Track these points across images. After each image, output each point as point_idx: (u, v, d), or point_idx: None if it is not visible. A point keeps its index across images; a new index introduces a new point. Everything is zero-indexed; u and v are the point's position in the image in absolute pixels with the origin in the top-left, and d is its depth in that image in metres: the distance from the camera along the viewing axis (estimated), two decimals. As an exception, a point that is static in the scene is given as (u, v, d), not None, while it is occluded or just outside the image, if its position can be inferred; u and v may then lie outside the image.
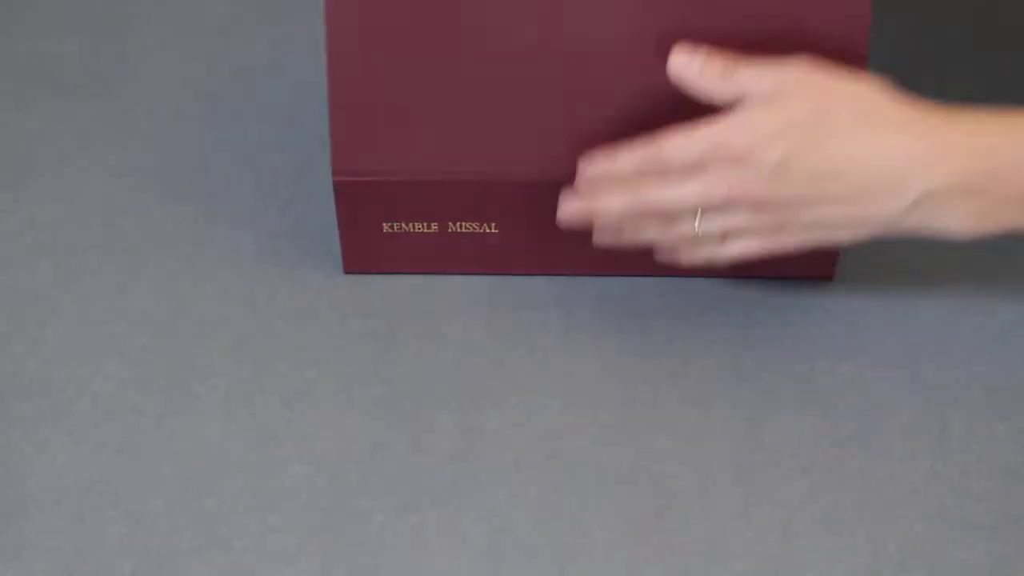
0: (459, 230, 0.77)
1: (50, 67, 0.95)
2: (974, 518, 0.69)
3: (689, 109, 0.72)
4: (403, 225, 0.77)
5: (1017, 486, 0.70)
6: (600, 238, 0.74)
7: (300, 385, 0.75)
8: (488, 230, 0.77)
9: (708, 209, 0.71)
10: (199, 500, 0.70)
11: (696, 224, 0.72)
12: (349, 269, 0.79)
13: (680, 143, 0.70)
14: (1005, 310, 0.79)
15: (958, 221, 0.68)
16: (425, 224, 0.77)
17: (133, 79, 0.94)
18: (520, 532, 0.69)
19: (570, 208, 0.74)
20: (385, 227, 0.77)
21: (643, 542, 0.69)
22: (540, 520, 0.70)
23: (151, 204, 0.85)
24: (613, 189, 0.72)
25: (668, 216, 0.72)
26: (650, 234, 0.73)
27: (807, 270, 0.78)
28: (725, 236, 0.72)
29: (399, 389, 0.75)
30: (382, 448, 0.73)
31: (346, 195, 0.75)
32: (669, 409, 0.74)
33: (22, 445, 0.72)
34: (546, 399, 0.75)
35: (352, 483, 0.71)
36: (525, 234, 0.77)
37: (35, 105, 0.92)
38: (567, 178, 0.74)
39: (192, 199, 0.85)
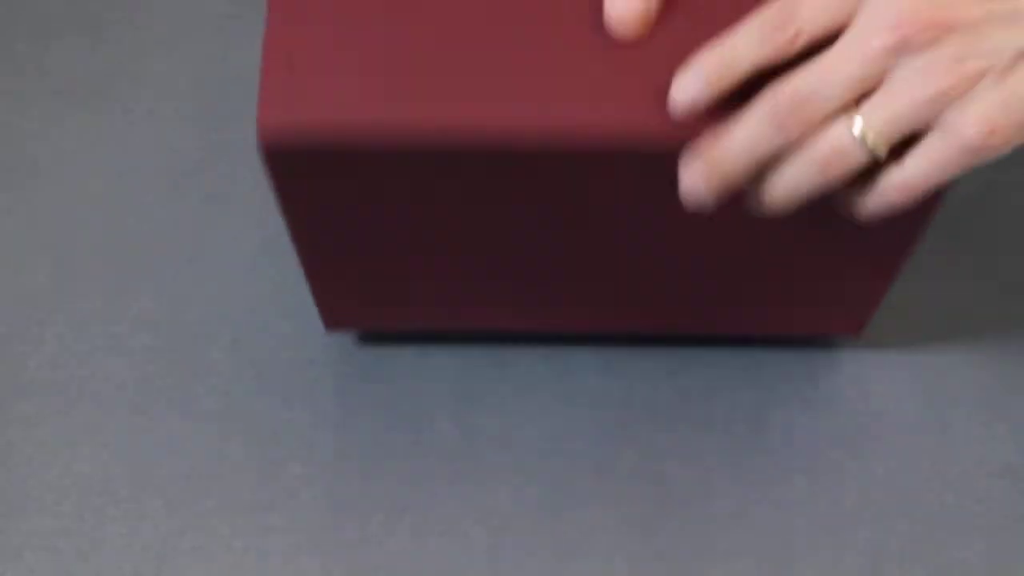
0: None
1: (50, 67, 0.95)
2: (974, 518, 0.69)
3: None
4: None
5: (1017, 486, 0.70)
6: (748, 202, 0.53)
7: (300, 385, 0.75)
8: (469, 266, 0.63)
9: (869, 86, 0.47)
10: (199, 500, 0.70)
11: (855, 127, 0.47)
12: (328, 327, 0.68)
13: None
14: (1004, 310, 0.79)
15: None
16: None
17: (133, 79, 0.94)
18: (520, 532, 0.69)
19: (690, 174, 0.51)
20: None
21: (643, 541, 0.69)
22: (540, 520, 0.70)
23: (151, 204, 0.85)
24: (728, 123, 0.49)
25: (814, 124, 0.48)
26: (795, 175, 0.49)
27: (836, 327, 0.70)
28: (903, 141, 0.48)
29: (399, 388, 0.75)
30: (382, 447, 0.73)
31: (278, 164, 0.58)
32: (669, 409, 0.74)
33: (22, 445, 0.72)
34: (546, 399, 0.75)
35: (352, 483, 0.71)
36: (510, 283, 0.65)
37: (35, 105, 0.92)
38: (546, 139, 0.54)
39: (192, 199, 0.85)
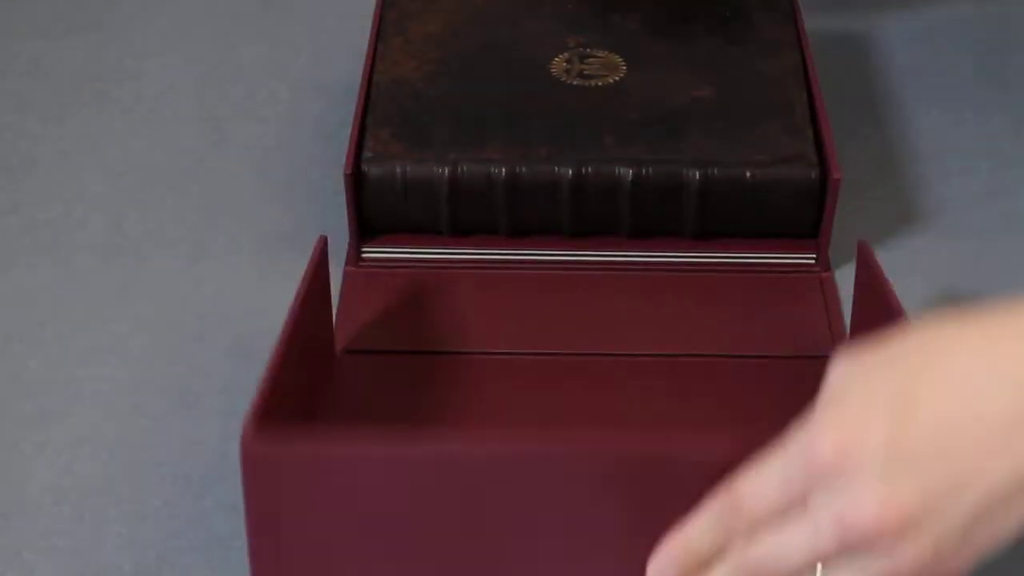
0: None
1: (50, 67, 0.95)
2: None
3: None
4: None
5: (1017, 487, 0.70)
6: None
7: (300, 385, 0.75)
8: None
9: (828, 556, 0.49)
10: (199, 500, 0.70)
11: None
12: None
13: (756, 482, 0.51)
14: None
15: None
16: None
17: (133, 79, 0.94)
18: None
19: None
20: None
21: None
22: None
23: (151, 204, 0.85)
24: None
25: None
26: None
27: None
28: None
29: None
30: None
31: None
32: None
33: (22, 445, 0.72)
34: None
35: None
36: None
37: (35, 105, 0.92)
38: None
39: (192, 199, 0.85)
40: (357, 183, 0.78)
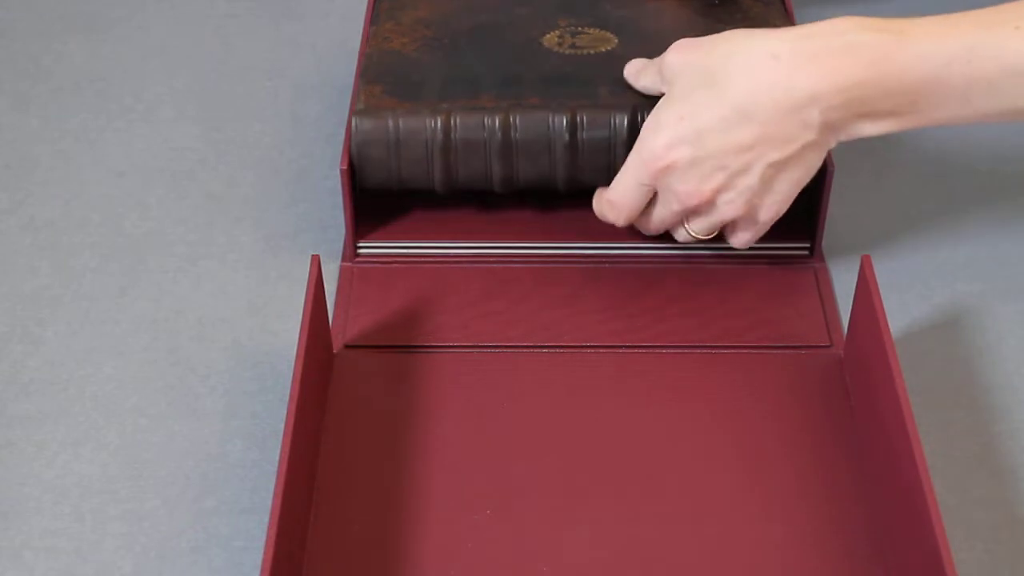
0: None
1: (50, 67, 0.95)
2: (974, 518, 0.69)
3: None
4: None
5: (1017, 486, 0.70)
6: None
7: (300, 385, 0.75)
8: None
9: (685, 216, 0.76)
10: (199, 500, 0.70)
11: (689, 232, 0.77)
12: None
13: (619, 192, 0.76)
14: (1003, 309, 0.79)
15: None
16: None
17: (133, 79, 0.94)
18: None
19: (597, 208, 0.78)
20: None
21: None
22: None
23: (151, 204, 0.85)
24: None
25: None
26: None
27: None
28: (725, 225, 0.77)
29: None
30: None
31: None
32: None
33: (22, 445, 0.72)
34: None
35: (352, 483, 0.71)
36: None
37: (35, 105, 0.92)
38: None
39: (192, 199, 0.85)
40: (353, 178, 0.78)
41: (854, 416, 0.72)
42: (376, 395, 0.73)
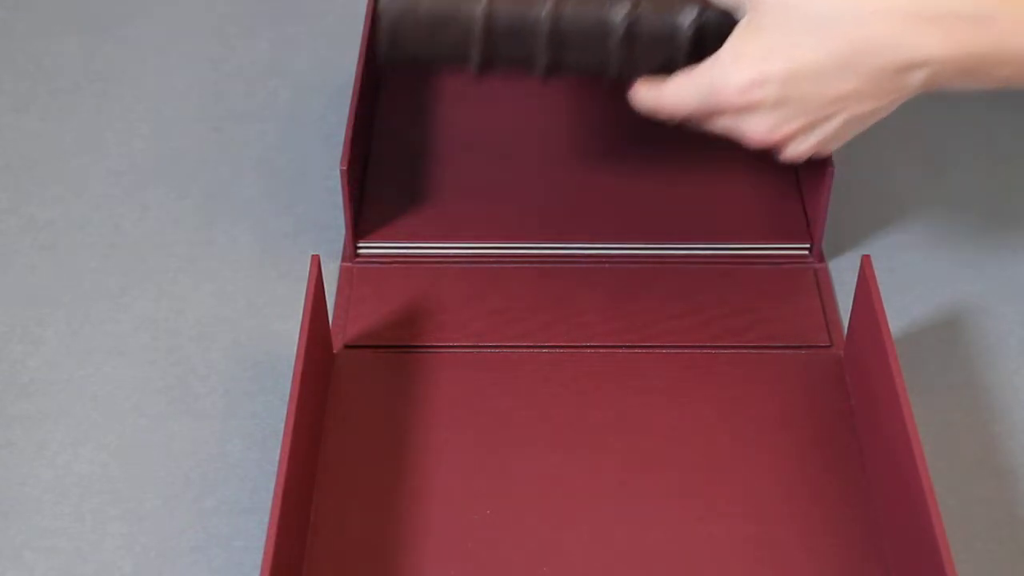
0: None
1: (50, 67, 0.95)
2: (974, 518, 0.69)
3: None
4: None
5: (1017, 486, 0.70)
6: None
7: (300, 385, 0.75)
8: None
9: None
10: (199, 500, 0.70)
11: (729, 136, 0.72)
12: None
13: (676, 97, 0.71)
14: (1004, 309, 0.79)
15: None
16: None
17: (133, 79, 0.94)
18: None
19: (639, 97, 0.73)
20: None
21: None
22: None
23: (151, 204, 0.85)
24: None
25: None
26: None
27: None
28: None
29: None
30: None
31: None
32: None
33: (22, 445, 0.72)
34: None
35: (352, 483, 0.71)
36: None
37: (35, 105, 0.92)
38: None
39: (192, 199, 0.85)
40: (352, 179, 0.78)
41: (854, 416, 0.72)
42: (376, 395, 0.73)
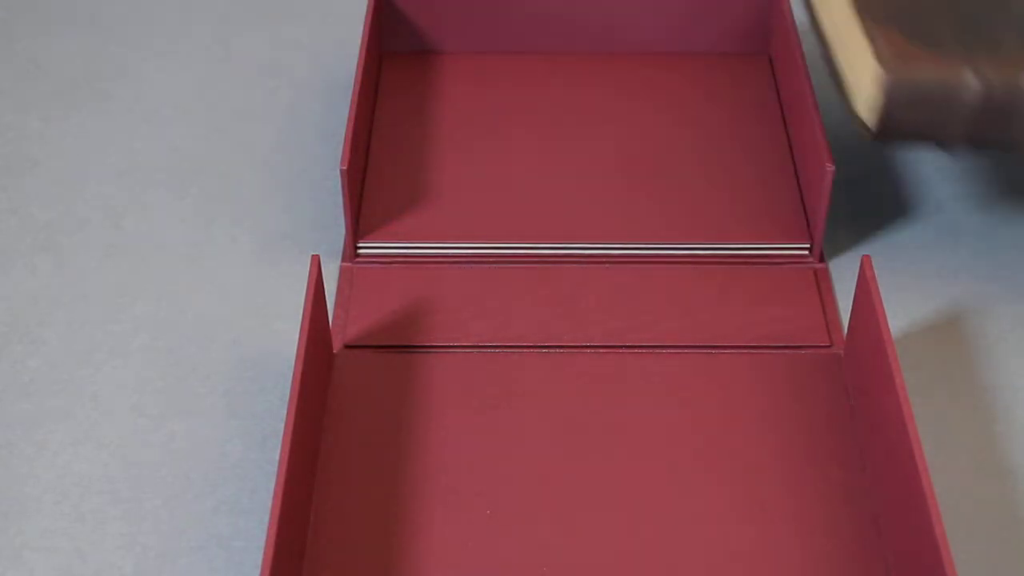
0: None
1: (50, 67, 0.95)
2: (974, 518, 0.69)
3: None
4: None
5: (1017, 486, 0.70)
6: None
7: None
8: None
9: None
10: (199, 500, 0.70)
11: None
12: None
13: None
14: (1004, 311, 0.79)
15: None
16: None
17: (133, 79, 0.94)
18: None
19: None
20: None
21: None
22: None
23: (151, 204, 0.85)
24: None
25: None
26: None
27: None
28: None
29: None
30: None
31: None
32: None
33: (22, 445, 0.72)
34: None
35: (352, 483, 0.71)
36: None
37: (35, 105, 0.92)
38: None
39: (192, 199, 0.85)
40: (353, 179, 0.78)
41: (854, 416, 0.72)
42: (376, 395, 0.73)
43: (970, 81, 0.71)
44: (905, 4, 0.75)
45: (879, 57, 0.72)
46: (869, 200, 0.85)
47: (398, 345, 0.76)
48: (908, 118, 0.73)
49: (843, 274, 0.80)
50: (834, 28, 0.77)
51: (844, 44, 0.76)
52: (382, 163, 0.86)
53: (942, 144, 0.74)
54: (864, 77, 0.73)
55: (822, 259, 0.81)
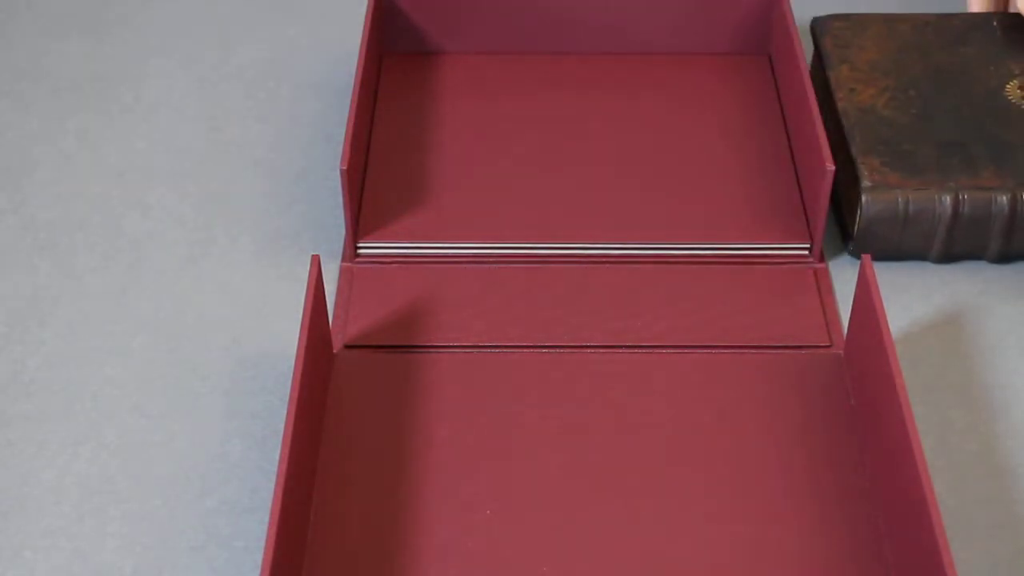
0: None
1: (50, 67, 0.95)
2: (974, 518, 0.69)
3: None
4: None
5: (1017, 486, 0.70)
6: None
7: (300, 385, 0.75)
8: None
9: None
10: (199, 500, 0.70)
11: None
12: None
13: None
14: (1004, 309, 0.79)
15: None
16: None
17: (133, 79, 0.94)
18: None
19: None
20: None
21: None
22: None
23: (151, 204, 0.85)
24: None
25: None
26: None
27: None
28: None
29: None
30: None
31: None
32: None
33: (22, 445, 0.72)
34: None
35: (352, 483, 0.71)
36: None
37: (35, 105, 0.92)
38: None
39: (192, 199, 0.85)
40: (353, 179, 0.78)
41: (854, 416, 0.72)
42: (376, 395, 0.73)
43: (942, 203, 0.78)
44: (885, 133, 0.81)
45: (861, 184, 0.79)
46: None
47: (398, 345, 0.76)
48: (883, 231, 0.79)
49: (843, 274, 0.80)
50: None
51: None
52: (382, 163, 0.86)
53: (910, 253, 0.80)
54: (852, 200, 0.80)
55: (822, 259, 0.81)
